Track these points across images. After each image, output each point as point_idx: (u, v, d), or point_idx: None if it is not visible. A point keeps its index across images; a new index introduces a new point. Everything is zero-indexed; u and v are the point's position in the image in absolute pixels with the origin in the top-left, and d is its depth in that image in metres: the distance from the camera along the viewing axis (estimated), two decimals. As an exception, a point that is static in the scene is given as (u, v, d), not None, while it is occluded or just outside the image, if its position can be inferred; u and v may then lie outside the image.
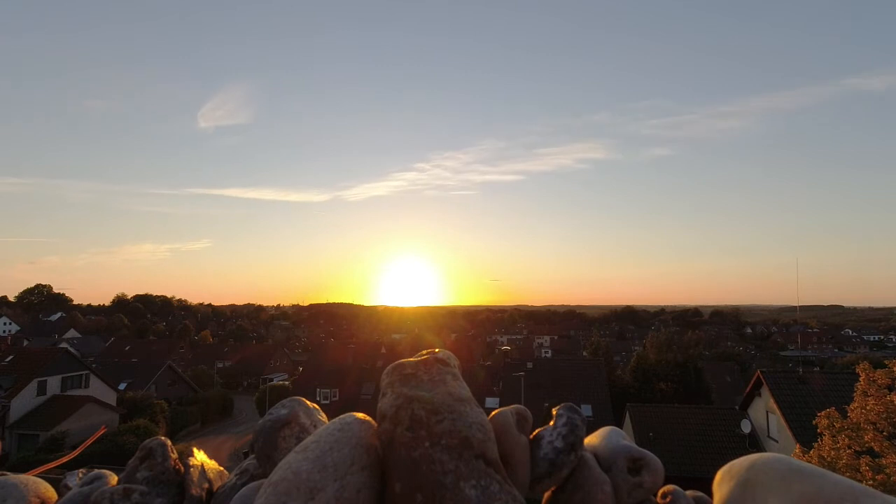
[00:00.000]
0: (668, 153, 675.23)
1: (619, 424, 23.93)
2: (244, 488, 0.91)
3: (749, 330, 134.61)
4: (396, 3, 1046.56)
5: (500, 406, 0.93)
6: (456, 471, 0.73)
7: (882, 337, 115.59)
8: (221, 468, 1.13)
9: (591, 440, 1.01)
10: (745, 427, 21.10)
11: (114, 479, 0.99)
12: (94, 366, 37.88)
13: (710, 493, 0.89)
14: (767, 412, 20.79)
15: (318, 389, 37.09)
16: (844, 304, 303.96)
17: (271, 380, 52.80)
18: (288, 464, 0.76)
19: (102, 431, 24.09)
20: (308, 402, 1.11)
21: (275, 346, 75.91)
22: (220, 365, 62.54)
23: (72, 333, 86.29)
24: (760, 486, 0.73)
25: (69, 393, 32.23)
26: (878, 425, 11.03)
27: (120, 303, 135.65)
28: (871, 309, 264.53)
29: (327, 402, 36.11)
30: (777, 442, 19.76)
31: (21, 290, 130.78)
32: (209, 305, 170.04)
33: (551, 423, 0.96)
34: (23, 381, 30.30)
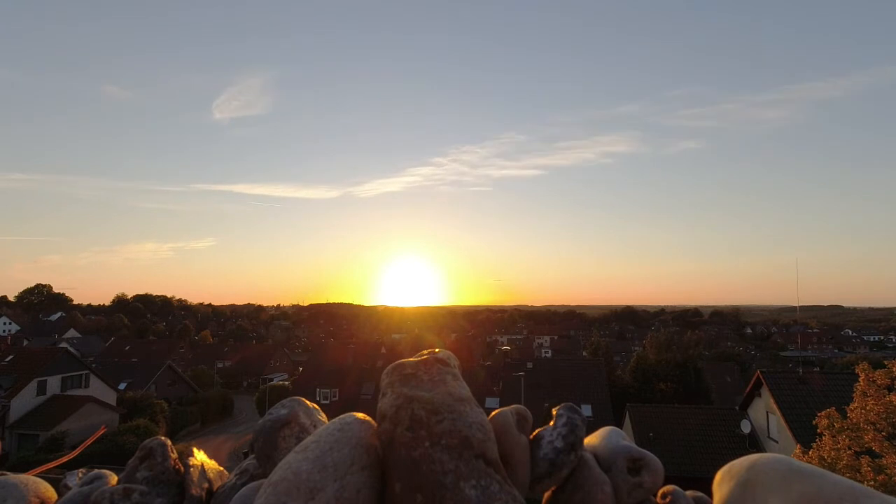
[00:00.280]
0: (696, 146, 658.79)
1: (619, 424, 23.92)
2: (244, 488, 0.91)
3: (749, 330, 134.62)
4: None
5: (500, 406, 0.93)
6: (456, 471, 0.73)
7: (882, 337, 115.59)
8: (221, 468, 1.13)
9: (591, 440, 1.01)
10: (745, 427, 21.10)
11: (114, 479, 0.99)
12: (94, 366, 37.85)
13: (710, 493, 0.89)
14: (767, 412, 20.79)
15: (318, 389, 37.08)
16: (844, 304, 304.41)
17: (271, 380, 52.81)
18: (288, 464, 0.76)
19: (102, 431, 24.09)
20: (308, 402, 1.11)
21: (275, 346, 75.93)
22: (220, 365, 62.54)
23: (72, 333, 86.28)
24: (760, 486, 0.73)
25: (69, 393, 32.22)
26: (877, 425, 11.03)
27: (120, 303, 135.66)
28: (871, 309, 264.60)
29: (327, 402, 36.11)
30: (777, 442, 19.76)
31: (21, 289, 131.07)
32: (209, 305, 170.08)
33: (551, 423, 0.96)
34: (23, 381, 30.29)
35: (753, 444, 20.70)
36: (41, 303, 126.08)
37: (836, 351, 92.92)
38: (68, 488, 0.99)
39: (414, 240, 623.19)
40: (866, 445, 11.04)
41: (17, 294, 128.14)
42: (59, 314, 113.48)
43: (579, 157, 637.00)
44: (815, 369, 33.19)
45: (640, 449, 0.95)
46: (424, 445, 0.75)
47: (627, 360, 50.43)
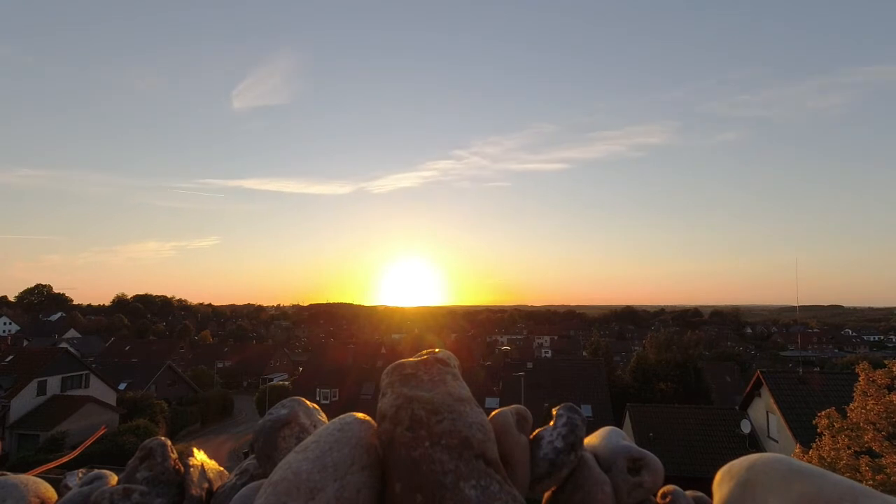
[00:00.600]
0: (735, 137, 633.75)
1: (619, 424, 23.93)
2: (244, 488, 0.91)
3: (749, 330, 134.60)
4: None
5: (500, 406, 0.93)
6: (456, 471, 0.73)
7: (882, 337, 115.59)
8: (221, 468, 1.13)
9: (591, 440, 1.01)
10: (745, 427, 21.09)
11: (114, 479, 0.99)
12: (94, 366, 37.84)
13: (710, 493, 0.89)
14: (767, 412, 20.78)
15: (318, 389, 37.07)
16: (844, 304, 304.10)
17: (271, 380, 52.79)
18: (288, 464, 0.76)
19: (102, 431, 24.09)
20: (308, 402, 1.11)
21: (275, 346, 75.89)
22: (220, 365, 62.50)
23: (72, 333, 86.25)
24: (760, 486, 0.73)
25: (69, 393, 32.21)
26: (877, 425, 11.03)
27: (120, 303, 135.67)
28: (871, 309, 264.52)
29: (327, 402, 36.10)
30: (777, 442, 19.75)
31: (22, 288, 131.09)
32: (209, 305, 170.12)
33: (551, 423, 0.96)
34: (23, 381, 30.29)
35: (753, 444, 20.69)
36: (41, 303, 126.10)
37: (836, 351, 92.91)
38: (68, 488, 0.99)
39: (419, 238, 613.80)
40: (866, 445, 11.04)
41: (17, 294, 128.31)
42: (59, 314, 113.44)
43: (608, 149, 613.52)
44: (815, 369, 33.19)
45: (640, 449, 0.95)
46: (424, 445, 0.75)
47: (627, 360, 50.41)
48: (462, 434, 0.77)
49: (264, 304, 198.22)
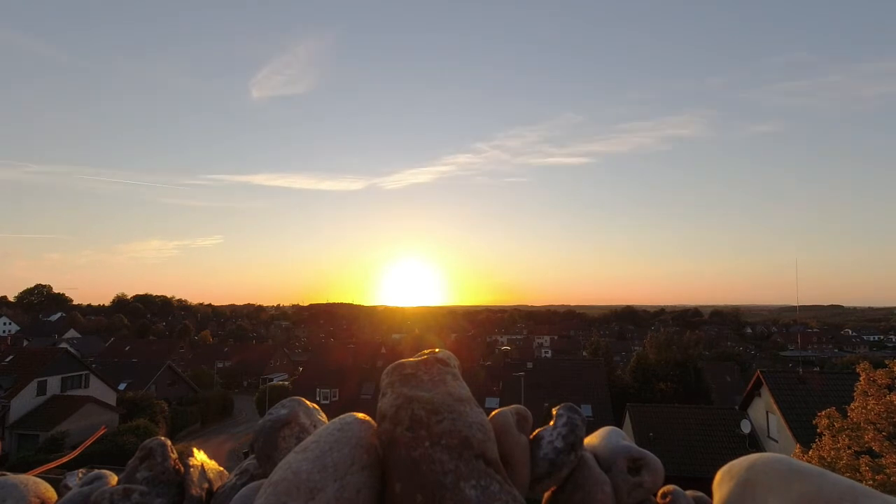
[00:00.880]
0: (773, 129, 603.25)
1: (619, 424, 23.92)
2: (244, 488, 0.91)
3: (749, 330, 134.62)
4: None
5: (500, 406, 0.93)
6: (456, 471, 0.73)
7: (882, 337, 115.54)
8: (221, 468, 1.13)
9: (591, 440, 1.01)
10: (745, 427, 21.09)
11: (114, 479, 0.99)
12: (93, 366, 37.83)
13: (710, 493, 0.89)
14: (767, 412, 20.79)
15: (318, 389, 37.08)
16: (844, 304, 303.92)
17: (271, 380, 52.80)
18: (288, 464, 0.76)
19: (102, 431, 24.08)
20: (308, 403, 1.11)
21: (275, 346, 75.87)
22: (220, 365, 62.50)
23: (72, 333, 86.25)
24: (760, 486, 0.73)
25: (69, 393, 32.21)
26: (878, 425, 11.03)
27: (120, 303, 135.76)
28: (871, 309, 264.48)
29: (327, 402, 36.10)
30: (777, 442, 19.76)
31: (23, 287, 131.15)
32: (209, 305, 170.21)
33: (551, 423, 0.96)
34: (23, 381, 30.29)
35: (753, 443, 20.69)
36: (41, 303, 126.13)
37: (836, 351, 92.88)
38: (68, 488, 0.99)
39: (424, 237, 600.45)
40: (866, 445, 11.04)
41: (17, 294, 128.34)
42: (59, 314, 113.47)
43: (637, 141, 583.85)
44: (815, 369, 33.16)
45: (640, 449, 0.95)
46: (424, 445, 0.75)
47: (627, 360, 50.40)
48: (462, 434, 0.77)
49: (264, 304, 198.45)
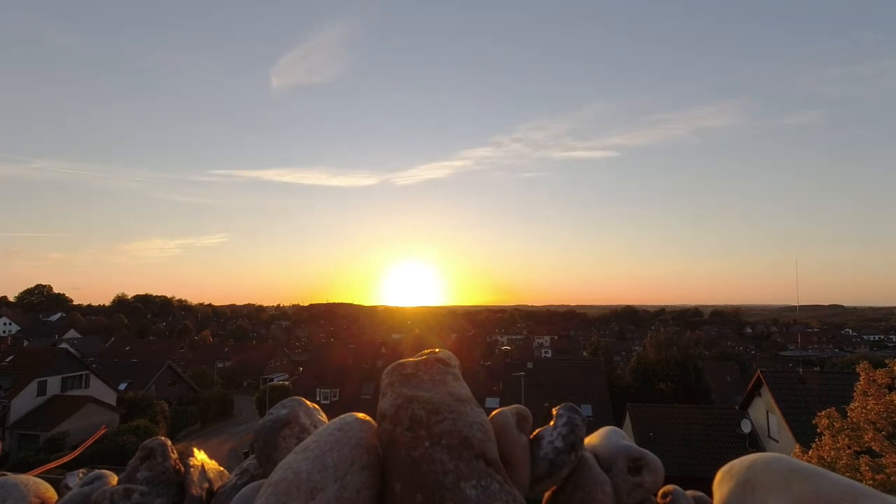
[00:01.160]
0: (811, 119, 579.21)
1: (619, 424, 23.92)
2: (244, 488, 0.91)
3: (749, 330, 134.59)
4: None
5: (500, 406, 0.93)
6: (456, 471, 0.73)
7: (882, 337, 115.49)
8: (221, 468, 1.13)
9: (591, 440, 1.01)
10: (745, 427, 21.09)
11: (114, 479, 0.99)
12: (94, 366, 37.84)
13: (710, 493, 0.89)
14: (767, 412, 20.79)
15: (318, 389, 37.09)
16: (844, 304, 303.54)
17: (271, 380, 52.82)
18: (288, 464, 0.76)
19: (102, 431, 24.14)
20: (308, 403, 1.11)
21: (275, 346, 75.85)
22: (220, 365, 62.51)
23: (72, 333, 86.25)
24: (760, 485, 0.73)
25: (69, 393, 32.22)
26: (878, 425, 11.02)
27: (120, 303, 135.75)
28: (871, 309, 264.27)
29: (328, 402, 36.11)
30: (777, 442, 19.75)
31: (24, 287, 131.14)
32: (209, 305, 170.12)
33: (551, 423, 0.96)
34: (23, 381, 30.30)
35: (753, 443, 20.69)
36: (41, 303, 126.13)
37: (836, 350, 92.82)
38: (69, 488, 0.99)
39: (428, 236, 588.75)
40: (866, 445, 11.04)
41: (17, 294, 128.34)
42: (59, 314, 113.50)
43: (663, 134, 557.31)
44: (815, 369, 33.15)
45: (640, 449, 0.95)
46: (424, 445, 0.75)
47: (627, 360, 50.41)
48: (462, 434, 0.77)
49: (264, 304, 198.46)
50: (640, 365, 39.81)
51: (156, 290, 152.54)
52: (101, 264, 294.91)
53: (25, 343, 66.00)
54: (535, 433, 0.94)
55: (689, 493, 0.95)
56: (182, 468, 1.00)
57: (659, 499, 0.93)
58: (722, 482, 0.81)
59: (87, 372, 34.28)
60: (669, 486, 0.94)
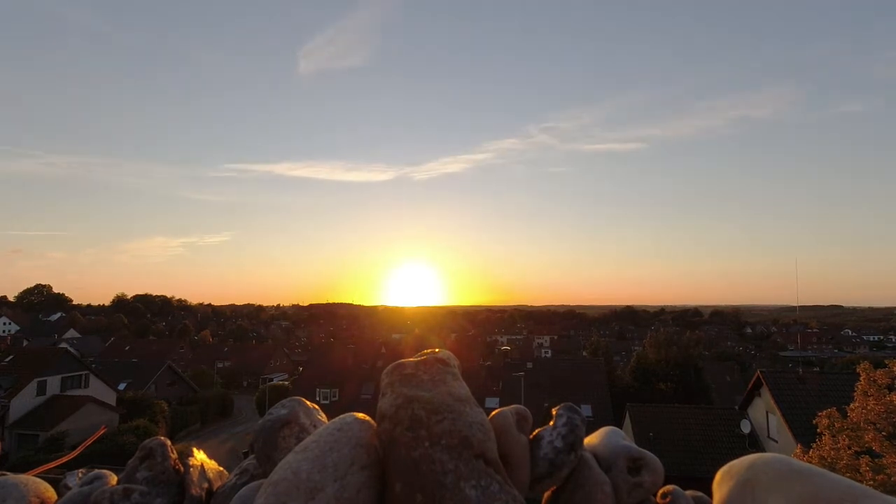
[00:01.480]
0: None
1: (619, 424, 23.92)
2: (244, 488, 0.91)
3: (749, 330, 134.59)
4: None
5: (500, 406, 0.93)
6: (456, 471, 0.73)
7: (882, 337, 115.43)
8: (221, 468, 1.13)
9: (591, 440, 1.01)
10: (745, 427, 21.09)
11: (114, 479, 0.99)
12: (93, 366, 37.84)
13: (710, 493, 0.89)
14: (767, 412, 20.79)
15: (318, 389, 37.08)
16: (844, 304, 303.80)
17: (271, 380, 52.78)
18: (288, 464, 0.76)
19: (102, 431, 24.08)
20: (308, 403, 1.11)
21: (275, 346, 75.84)
22: (220, 365, 62.48)
23: (71, 333, 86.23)
24: (760, 486, 0.73)
25: (69, 393, 32.21)
26: (878, 425, 11.03)
27: (120, 303, 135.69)
28: (871, 309, 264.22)
29: (327, 402, 36.09)
30: (777, 442, 19.76)
31: (23, 287, 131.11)
32: (209, 305, 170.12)
33: (551, 423, 0.96)
34: (23, 381, 30.30)
35: (753, 443, 20.69)
36: (41, 303, 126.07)
37: (835, 351, 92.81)
38: (68, 488, 0.99)
39: (433, 234, 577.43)
40: (866, 445, 11.04)
41: (17, 294, 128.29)
42: (58, 314, 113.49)
43: (699, 123, 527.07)
44: (814, 369, 33.16)
45: (640, 449, 0.95)
46: (424, 445, 0.75)
47: (627, 360, 50.41)
48: (462, 434, 0.77)
49: (264, 303, 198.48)
50: (640, 365, 39.79)
51: (156, 290, 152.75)
52: (101, 263, 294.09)
53: (25, 343, 66.08)
54: (534, 433, 0.94)
55: (689, 493, 0.95)
56: (182, 468, 1.00)
57: (658, 499, 0.93)
58: (722, 482, 0.81)
59: (86, 372, 34.28)
60: (669, 487, 0.94)
